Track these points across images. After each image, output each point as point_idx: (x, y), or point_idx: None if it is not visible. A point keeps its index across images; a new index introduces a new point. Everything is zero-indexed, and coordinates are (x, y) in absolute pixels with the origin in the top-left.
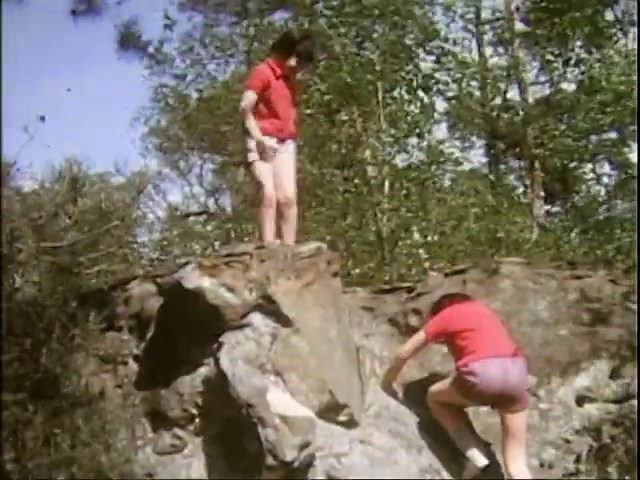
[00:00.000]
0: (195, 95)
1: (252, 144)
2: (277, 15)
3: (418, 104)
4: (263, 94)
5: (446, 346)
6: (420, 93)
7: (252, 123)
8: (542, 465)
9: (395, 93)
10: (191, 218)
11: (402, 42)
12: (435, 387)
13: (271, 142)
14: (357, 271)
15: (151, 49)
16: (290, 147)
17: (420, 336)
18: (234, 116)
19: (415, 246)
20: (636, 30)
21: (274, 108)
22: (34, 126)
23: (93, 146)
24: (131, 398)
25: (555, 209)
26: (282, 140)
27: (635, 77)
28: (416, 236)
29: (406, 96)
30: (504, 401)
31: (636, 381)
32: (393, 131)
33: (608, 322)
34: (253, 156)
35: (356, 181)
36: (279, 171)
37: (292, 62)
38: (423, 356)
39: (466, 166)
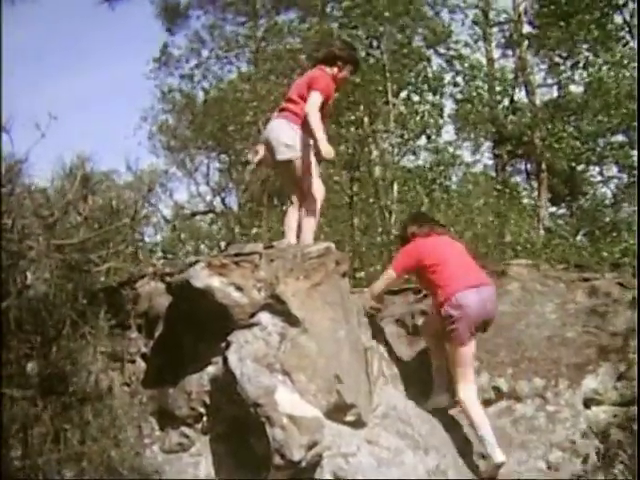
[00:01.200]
0: (202, 95)
1: (307, 141)
2: (285, 15)
3: (427, 106)
4: (324, 102)
5: (416, 279)
6: (429, 95)
7: (319, 124)
8: (549, 467)
9: (403, 94)
10: (197, 217)
11: (411, 43)
12: (424, 321)
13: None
14: (363, 274)
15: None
16: None
17: (390, 274)
18: (239, 116)
19: None
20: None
21: (324, 116)
22: (45, 124)
23: (98, 144)
24: (139, 396)
25: (561, 211)
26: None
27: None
28: None
29: (415, 97)
30: (483, 325)
31: None
32: (401, 132)
33: (616, 325)
34: (296, 153)
35: (362, 182)
36: None
37: (347, 73)
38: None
39: (474, 168)
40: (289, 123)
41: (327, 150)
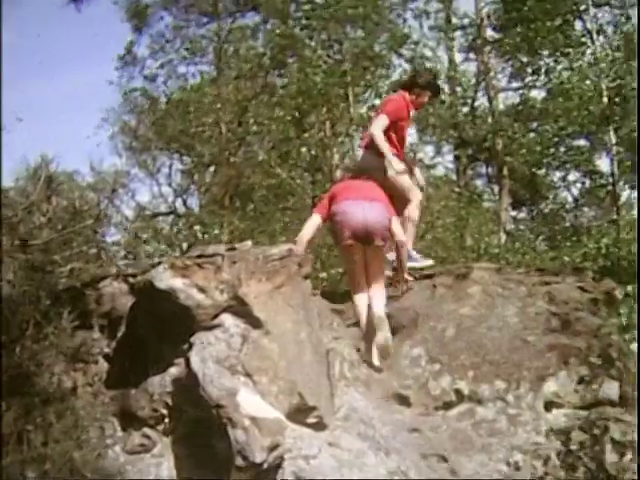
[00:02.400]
0: (164, 96)
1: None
2: (248, 18)
3: None
4: (396, 123)
5: None
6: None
7: (382, 143)
8: (510, 469)
9: (366, 96)
10: (159, 218)
11: (372, 47)
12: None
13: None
14: (324, 275)
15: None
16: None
17: (312, 218)
18: (202, 119)
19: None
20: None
21: (400, 138)
22: (10, 125)
23: (61, 145)
24: (101, 397)
25: (521, 215)
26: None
27: (602, 85)
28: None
29: (377, 101)
30: (368, 236)
31: (604, 388)
32: (362, 135)
33: (576, 328)
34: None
35: (326, 185)
36: None
37: (426, 98)
38: (392, 359)
39: (435, 171)
40: (365, 151)
41: (396, 167)
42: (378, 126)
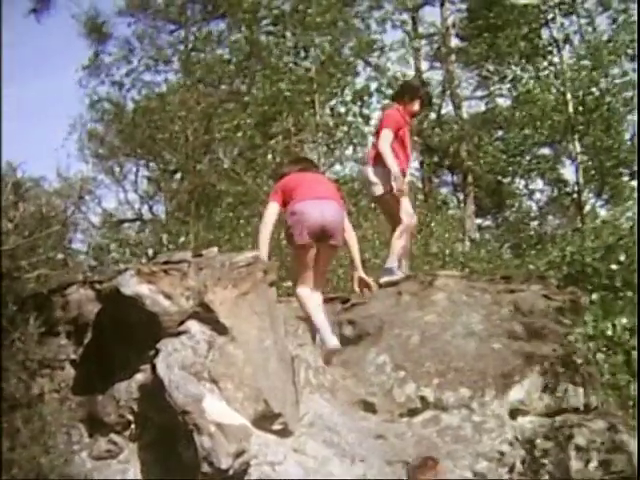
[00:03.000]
0: (131, 103)
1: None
2: (215, 25)
3: (350, 117)
4: (396, 134)
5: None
6: (355, 106)
7: (391, 159)
8: (475, 476)
9: (332, 103)
10: (125, 225)
11: (339, 54)
12: None
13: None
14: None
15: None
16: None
17: (270, 206)
18: (168, 126)
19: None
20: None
21: (401, 149)
22: None
23: (26, 152)
24: (68, 403)
25: (486, 223)
26: (404, 175)
27: (568, 95)
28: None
29: (342, 108)
30: (325, 235)
31: (569, 395)
32: (327, 142)
33: (541, 336)
34: (382, 189)
35: None
36: None
37: (415, 107)
38: (357, 366)
39: None
40: (368, 165)
41: (398, 184)
42: (385, 141)
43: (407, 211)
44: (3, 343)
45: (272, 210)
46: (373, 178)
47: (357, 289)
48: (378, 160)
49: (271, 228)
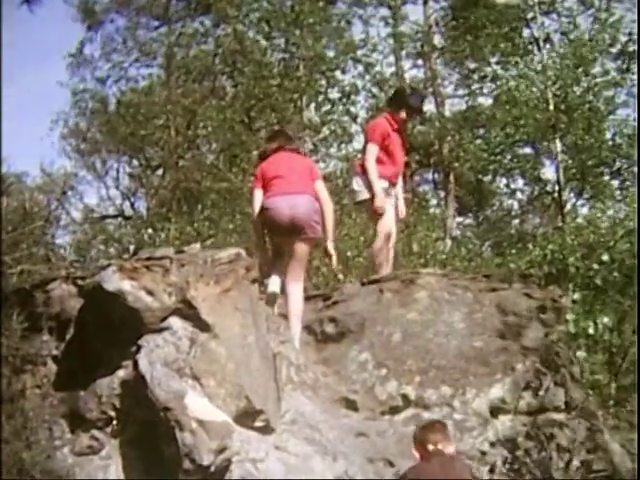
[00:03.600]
0: (114, 98)
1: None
2: (198, 21)
3: (336, 115)
4: (382, 143)
5: None
6: (340, 104)
7: (373, 177)
8: None
9: (319, 100)
10: (107, 220)
11: (325, 53)
12: None
13: (384, 186)
14: None
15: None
16: (398, 190)
17: (256, 194)
18: (151, 121)
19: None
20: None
21: (391, 156)
22: None
23: (8, 147)
24: (50, 399)
25: (467, 222)
26: (394, 184)
27: (549, 93)
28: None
29: (328, 106)
30: (296, 229)
31: (550, 394)
32: (312, 140)
33: (523, 335)
34: (365, 195)
35: None
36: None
37: (402, 115)
38: (339, 364)
39: None
40: (361, 176)
41: (378, 203)
42: (370, 157)
43: (382, 223)
44: None
45: (258, 197)
46: (357, 186)
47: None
48: (364, 170)
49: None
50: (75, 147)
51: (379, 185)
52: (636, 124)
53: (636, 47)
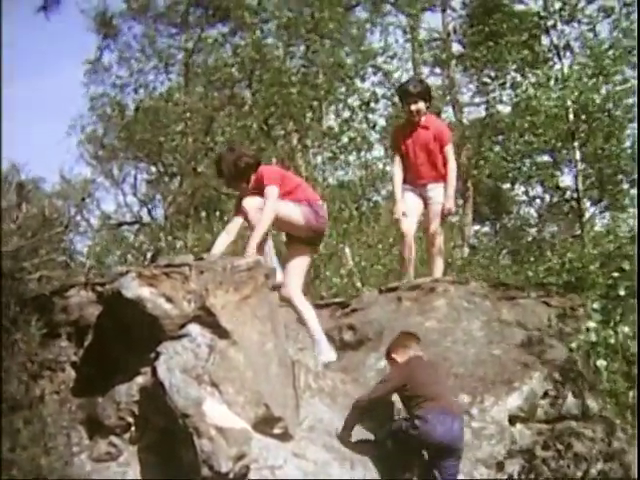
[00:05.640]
0: (132, 105)
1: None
2: (216, 28)
3: (356, 123)
4: (400, 152)
5: None
6: (360, 112)
7: (396, 186)
8: None
9: (338, 108)
10: (124, 227)
11: (345, 60)
12: None
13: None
14: None
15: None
16: (429, 191)
17: (275, 191)
18: (170, 127)
19: (346, 265)
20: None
21: (407, 161)
22: None
23: (26, 153)
24: (68, 405)
25: (484, 230)
26: (422, 185)
27: (569, 102)
28: (348, 255)
29: (347, 113)
30: (320, 238)
31: (568, 402)
32: (332, 148)
33: (541, 343)
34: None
35: None
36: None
37: (407, 108)
38: (357, 371)
39: None
40: None
41: (396, 211)
42: (393, 166)
43: (401, 227)
44: (5, 344)
45: (276, 194)
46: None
47: None
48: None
49: None
50: (93, 154)
51: (398, 191)
52: None
53: None
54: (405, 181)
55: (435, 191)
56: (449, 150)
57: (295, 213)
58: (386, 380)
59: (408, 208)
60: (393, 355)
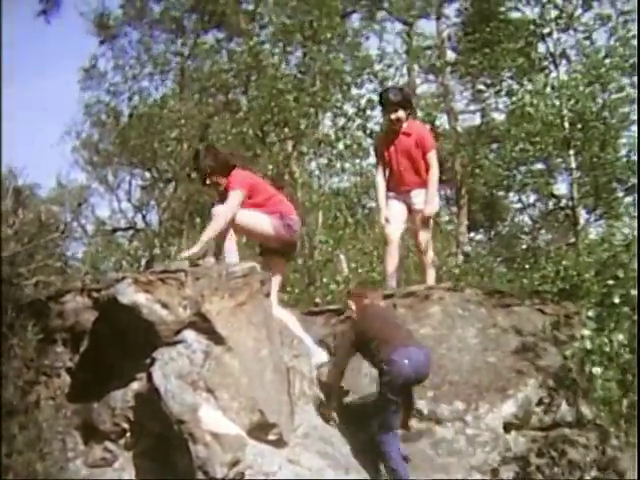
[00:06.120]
0: (127, 111)
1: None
2: (212, 34)
3: (353, 129)
4: (383, 160)
5: None
6: (355, 118)
7: (380, 193)
8: None
9: (334, 115)
10: (118, 233)
11: (340, 68)
12: None
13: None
14: (285, 297)
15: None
16: (413, 197)
17: (239, 195)
18: (166, 132)
19: (342, 272)
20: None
21: (390, 168)
22: None
23: (21, 157)
24: (63, 410)
25: (479, 237)
26: (405, 192)
27: (565, 109)
28: (343, 262)
29: (343, 120)
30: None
31: (562, 410)
32: (328, 155)
33: (536, 351)
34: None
35: None
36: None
37: (388, 115)
38: (352, 378)
39: None
40: None
41: (381, 217)
42: (377, 174)
43: (384, 231)
44: (1, 349)
45: (239, 197)
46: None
47: None
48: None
49: None
50: (87, 159)
51: (381, 198)
52: None
53: None
54: (389, 188)
55: (419, 197)
56: (432, 156)
57: (265, 223)
58: (342, 336)
59: (392, 215)
60: (350, 303)
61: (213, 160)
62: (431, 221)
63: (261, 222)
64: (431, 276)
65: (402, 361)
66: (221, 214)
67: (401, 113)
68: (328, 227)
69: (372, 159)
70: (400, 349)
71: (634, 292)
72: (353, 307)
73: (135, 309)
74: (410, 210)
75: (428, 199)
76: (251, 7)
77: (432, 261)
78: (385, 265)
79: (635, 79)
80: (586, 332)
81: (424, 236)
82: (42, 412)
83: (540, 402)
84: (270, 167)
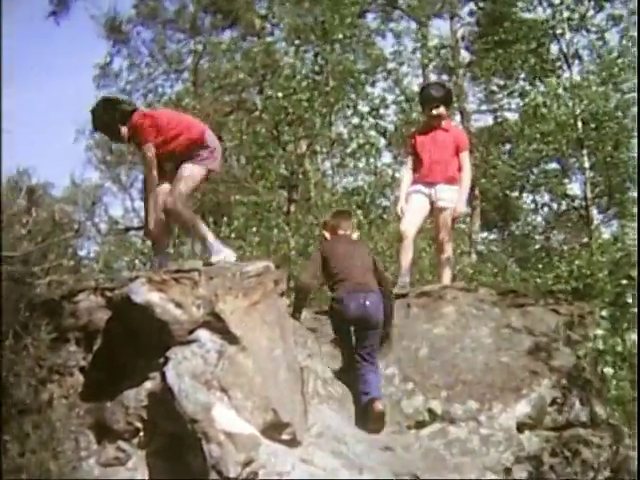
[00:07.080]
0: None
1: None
2: (224, 34)
3: (367, 128)
4: (414, 151)
5: None
6: (371, 118)
7: (403, 185)
8: None
9: (347, 114)
10: (131, 232)
11: (354, 67)
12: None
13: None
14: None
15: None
16: (439, 192)
17: (151, 149)
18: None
19: None
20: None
21: (419, 160)
22: None
23: (34, 157)
24: (76, 409)
25: (492, 237)
26: (430, 184)
27: (578, 110)
28: None
29: (356, 119)
30: None
31: (576, 409)
32: (341, 154)
33: (550, 351)
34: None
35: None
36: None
37: (428, 112)
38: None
39: None
40: None
41: (398, 208)
42: (404, 168)
43: (401, 224)
44: (14, 348)
45: (151, 154)
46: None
47: None
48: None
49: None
50: (101, 158)
51: (403, 191)
52: None
53: None
54: (415, 180)
55: (445, 193)
56: (465, 156)
57: (199, 172)
58: (312, 257)
59: (412, 208)
60: (324, 232)
61: (104, 112)
62: (455, 221)
63: (193, 177)
64: (447, 275)
65: (349, 303)
66: (147, 185)
67: (442, 109)
68: None
69: (385, 158)
70: (350, 292)
71: None
72: (327, 237)
73: (148, 308)
74: (433, 207)
75: (460, 198)
76: (265, 7)
77: (449, 260)
78: (399, 260)
79: None
80: (599, 332)
81: (445, 234)
82: (55, 411)
83: (553, 402)
84: (283, 166)
